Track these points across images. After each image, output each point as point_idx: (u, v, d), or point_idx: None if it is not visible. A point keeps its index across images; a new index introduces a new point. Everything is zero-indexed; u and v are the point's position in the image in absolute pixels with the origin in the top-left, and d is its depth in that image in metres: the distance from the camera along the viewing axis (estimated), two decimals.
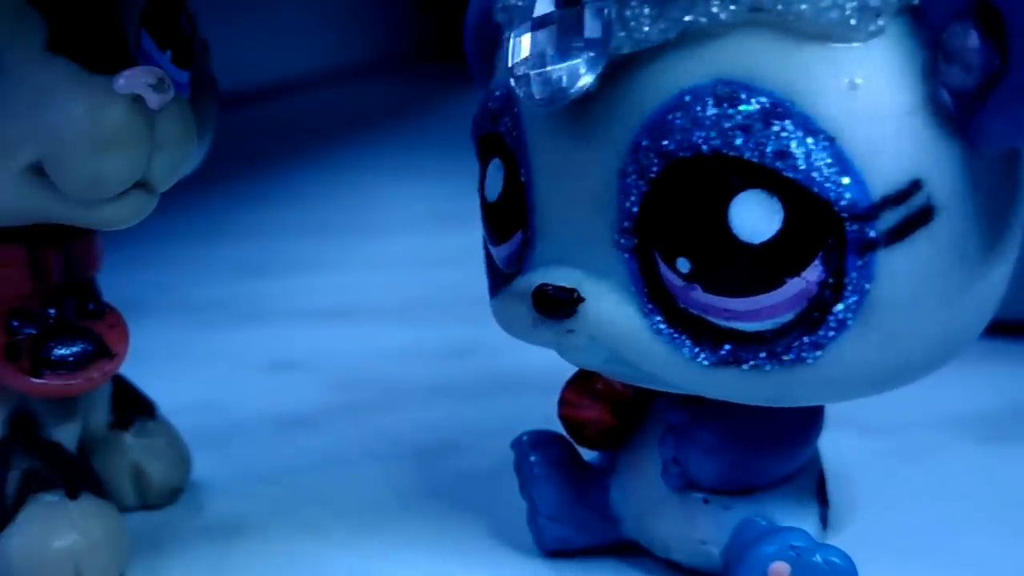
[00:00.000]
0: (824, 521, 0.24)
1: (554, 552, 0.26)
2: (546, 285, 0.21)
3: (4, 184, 0.22)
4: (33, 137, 0.21)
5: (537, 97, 0.20)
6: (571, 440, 0.26)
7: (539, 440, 0.26)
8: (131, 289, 0.39)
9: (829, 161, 0.18)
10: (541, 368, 0.23)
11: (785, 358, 0.20)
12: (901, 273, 0.19)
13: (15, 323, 0.24)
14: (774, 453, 0.23)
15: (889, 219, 0.19)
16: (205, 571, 0.26)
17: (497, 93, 0.23)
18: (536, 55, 0.20)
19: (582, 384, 0.25)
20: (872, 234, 0.19)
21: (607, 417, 0.25)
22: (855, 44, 0.19)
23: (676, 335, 0.20)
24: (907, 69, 0.19)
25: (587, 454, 0.26)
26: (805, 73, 0.19)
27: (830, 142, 0.18)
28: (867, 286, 0.19)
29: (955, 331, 0.21)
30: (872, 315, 0.19)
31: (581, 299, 0.21)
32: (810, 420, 0.23)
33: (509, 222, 0.22)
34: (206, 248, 0.60)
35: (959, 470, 0.30)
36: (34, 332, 0.24)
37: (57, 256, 0.25)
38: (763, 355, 0.20)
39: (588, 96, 0.20)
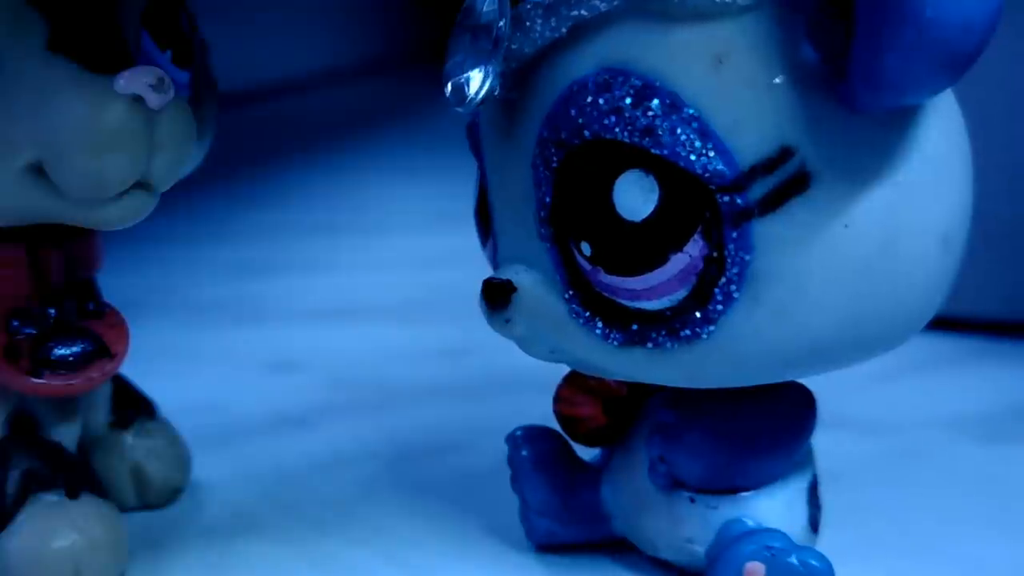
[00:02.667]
0: (815, 523, 0.24)
1: (544, 547, 0.26)
2: (489, 278, 0.22)
3: (4, 184, 0.22)
4: (33, 137, 0.21)
5: (453, 103, 0.21)
6: (566, 436, 0.26)
7: (532, 435, 0.26)
8: (131, 289, 0.39)
9: (694, 135, 0.19)
10: (539, 368, 0.23)
11: (682, 334, 0.20)
12: (782, 242, 0.19)
13: (15, 323, 0.24)
14: (761, 454, 0.23)
15: (761, 188, 0.19)
16: (205, 571, 0.26)
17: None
18: (450, 64, 0.21)
19: (577, 381, 0.25)
20: (743, 204, 0.19)
21: (600, 414, 0.25)
22: (727, 20, 0.19)
23: (590, 318, 0.21)
24: (778, 39, 0.19)
25: (585, 452, 0.26)
26: (675, 53, 0.19)
27: (696, 117, 0.19)
28: (746, 257, 0.19)
29: (872, 305, 0.20)
30: (758, 286, 0.19)
31: (513, 289, 0.22)
32: (798, 421, 0.23)
33: (486, 225, 0.23)
34: (206, 248, 0.60)
35: (959, 470, 0.30)
36: (34, 332, 0.24)
37: (57, 256, 0.25)
38: (664, 332, 0.20)
39: (510, 99, 0.21)
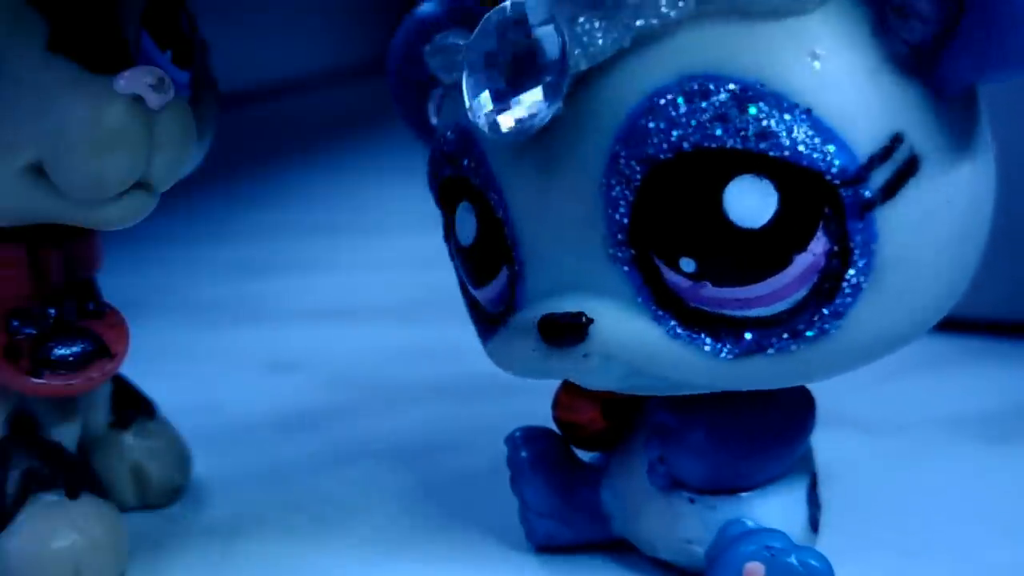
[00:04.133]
0: (814, 523, 0.24)
1: (544, 547, 0.26)
2: (551, 314, 0.21)
3: (4, 184, 0.22)
4: (33, 137, 0.21)
5: (503, 132, 0.20)
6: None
7: (531, 436, 0.26)
8: (131, 289, 0.39)
9: (811, 133, 0.19)
10: None
11: (808, 334, 0.20)
12: (902, 227, 0.19)
13: (15, 323, 0.24)
14: (760, 454, 0.23)
15: (880, 177, 0.19)
16: (205, 571, 0.26)
17: (450, 135, 0.22)
18: (495, 91, 0.20)
19: (575, 386, 0.25)
20: (867, 195, 0.19)
21: (600, 418, 0.25)
22: (806, 15, 0.19)
23: (694, 335, 0.20)
24: (860, 30, 0.19)
25: (585, 453, 0.26)
26: (766, 52, 0.19)
27: (807, 114, 0.19)
28: (873, 247, 0.19)
29: (955, 278, 0.21)
30: (883, 274, 0.19)
31: (590, 320, 0.20)
32: (797, 421, 0.23)
33: (491, 261, 0.22)
34: (206, 248, 0.60)
35: (958, 470, 0.30)
36: (34, 332, 0.24)
37: (57, 256, 0.25)
38: (786, 336, 0.20)
39: (555, 120, 0.20)
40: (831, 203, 0.19)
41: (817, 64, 0.19)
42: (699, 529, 0.23)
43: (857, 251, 0.19)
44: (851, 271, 0.19)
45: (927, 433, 0.32)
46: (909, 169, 0.19)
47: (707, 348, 0.20)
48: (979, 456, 0.31)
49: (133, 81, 0.21)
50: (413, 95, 0.25)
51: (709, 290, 0.20)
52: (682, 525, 0.23)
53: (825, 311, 0.20)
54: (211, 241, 0.62)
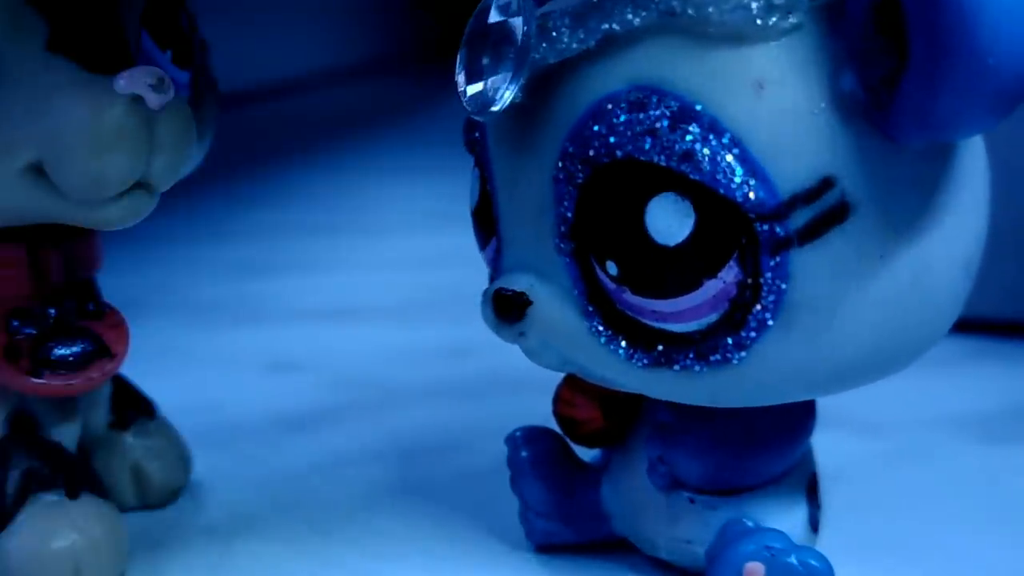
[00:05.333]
0: (814, 523, 0.24)
1: (544, 547, 0.26)
2: (502, 289, 0.21)
3: (4, 184, 0.22)
4: (33, 137, 0.21)
5: (470, 110, 0.21)
6: (565, 437, 0.26)
7: (532, 436, 0.26)
8: (131, 289, 0.39)
9: (735, 162, 0.18)
10: (538, 369, 0.23)
11: (712, 358, 0.20)
12: (819, 272, 0.19)
13: (15, 323, 0.24)
14: (761, 454, 0.23)
15: (800, 217, 0.19)
16: (205, 571, 0.26)
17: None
18: (468, 70, 0.21)
19: (577, 382, 0.25)
20: (782, 233, 0.19)
21: (600, 415, 0.25)
22: (766, 43, 0.19)
23: (612, 336, 0.21)
24: (819, 66, 0.19)
25: (585, 452, 0.26)
26: (713, 75, 0.19)
27: (736, 143, 0.18)
28: (783, 286, 0.19)
29: (898, 332, 0.20)
30: (792, 314, 0.19)
31: (529, 302, 0.21)
32: (798, 422, 0.23)
33: (487, 229, 0.23)
34: (206, 248, 0.60)
35: (958, 470, 0.30)
36: (34, 332, 0.24)
37: (57, 256, 0.25)
38: (691, 356, 0.20)
39: (527, 107, 0.20)
40: (747, 234, 0.19)
41: (759, 94, 0.18)
42: (699, 529, 0.23)
43: (766, 287, 0.19)
44: (758, 306, 0.19)
45: (927, 433, 0.32)
46: (836, 215, 0.19)
47: (622, 352, 0.21)
48: (979, 456, 0.31)
49: (133, 81, 0.21)
50: None
51: (629, 296, 0.20)
52: (682, 525, 0.23)
53: (730, 340, 0.20)
54: (211, 241, 0.62)
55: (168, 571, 0.26)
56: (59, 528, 0.24)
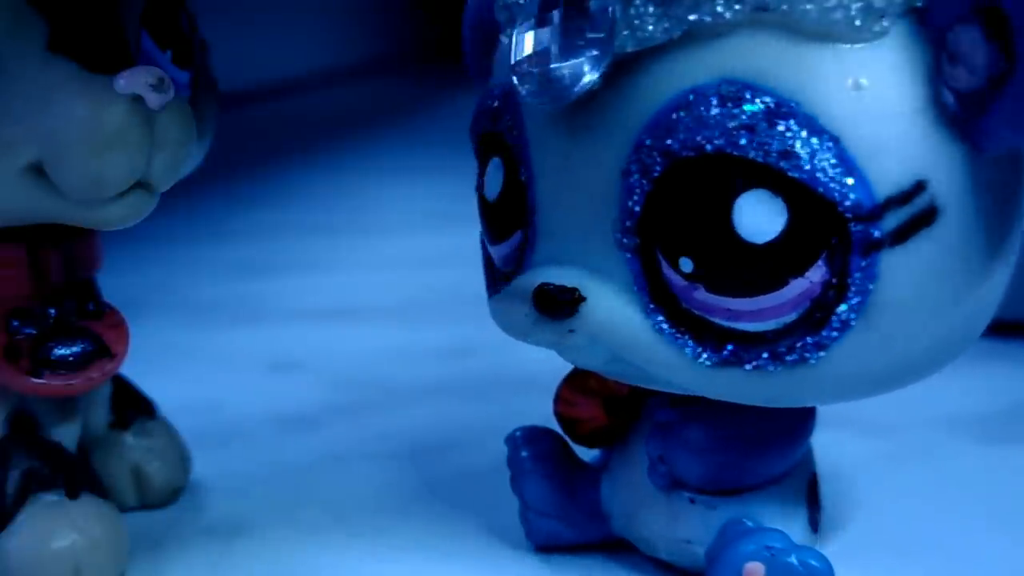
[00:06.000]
0: (814, 523, 0.24)
1: (544, 547, 0.26)
2: (547, 284, 0.21)
3: (4, 184, 0.22)
4: (33, 137, 0.21)
5: (540, 95, 0.20)
6: (566, 437, 0.26)
7: (532, 436, 0.26)
8: (131, 289, 0.39)
9: (833, 161, 0.18)
10: (539, 368, 0.23)
11: (788, 358, 0.20)
12: (904, 274, 0.19)
13: (15, 323, 0.24)
14: (761, 454, 0.23)
15: (893, 220, 0.19)
16: (205, 571, 0.26)
17: (496, 91, 0.23)
18: (539, 53, 0.20)
19: (578, 382, 0.25)
20: (876, 235, 0.19)
21: (601, 415, 0.25)
22: (860, 45, 0.19)
23: (678, 335, 0.20)
24: (911, 70, 0.19)
25: (585, 452, 0.26)
26: (810, 73, 0.19)
27: (834, 142, 0.18)
28: (871, 287, 0.19)
29: (957, 332, 0.21)
30: (875, 316, 0.19)
31: (582, 298, 0.20)
32: (798, 422, 0.23)
33: (509, 221, 0.22)
34: (206, 248, 0.60)
35: (958, 470, 0.30)
36: (34, 332, 0.24)
37: (57, 256, 0.25)
38: (766, 355, 0.20)
39: (591, 95, 0.20)
40: (839, 235, 0.19)
41: (857, 94, 0.18)
42: (699, 529, 0.23)
43: (854, 288, 0.19)
44: (843, 306, 0.19)
45: (927, 433, 0.32)
46: (925, 218, 0.19)
47: (688, 351, 0.20)
48: (978, 456, 0.31)
49: (133, 81, 0.21)
50: (483, 43, 0.25)
51: (702, 294, 0.20)
52: (682, 525, 0.23)
53: (809, 340, 0.19)
54: (211, 241, 0.62)
55: (168, 571, 0.26)
56: (59, 528, 0.24)
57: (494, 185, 0.23)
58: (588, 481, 0.25)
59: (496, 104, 0.23)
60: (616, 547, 0.25)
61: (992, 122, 0.18)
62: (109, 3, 0.22)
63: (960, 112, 0.18)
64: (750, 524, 0.23)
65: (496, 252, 0.23)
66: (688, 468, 0.23)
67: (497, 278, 0.24)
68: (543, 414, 0.26)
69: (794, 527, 0.23)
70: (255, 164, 0.83)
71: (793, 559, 0.21)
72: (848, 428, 0.31)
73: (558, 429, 0.26)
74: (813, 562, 0.21)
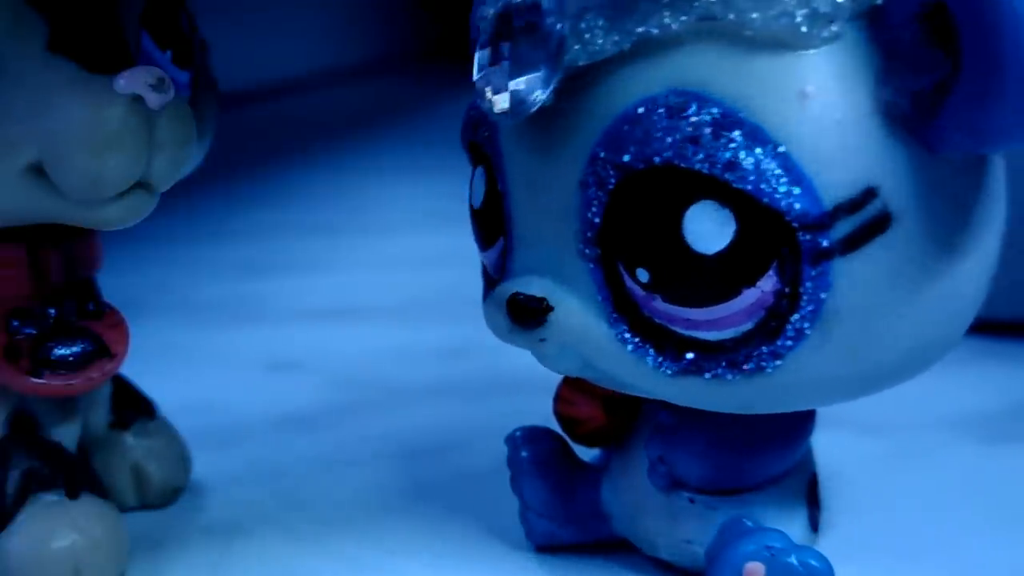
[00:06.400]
0: (814, 523, 0.24)
1: (544, 547, 0.26)
2: (518, 294, 0.21)
3: (4, 184, 0.22)
4: (33, 137, 0.21)
5: (495, 110, 0.20)
6: (566, 437, 0.26)
7: (532, 436, 0.26)
8: (131, 289, 0.39)
9: (779, 172, 0.18)
10: (538, 368, 0.23)
11: (745, 367, 0.20)
12: (858, 282, 0.19)
13: (15, 323, 0.24)
14: (761, 455, 0.23)
15: (843, 228, 0.18)
16: (205, 571, 0.26)
17: (476, 102, 0.23)
18: (495, 69, 0.20)
19: (577, 382, 0.25)
20: (825, 243, 0.18)
21: (600, 414, 0.25)
22: (808, 51, 0.18)
23: (640, 344, 0.20)
24: (861, 75, 0.18)
25: (585, 452, 0.26)
26: (756, 82, 0.19)
27: (780, 152, 0.18)
28: (823, 295, 0.19)
29: (928, 338, 0.20)
30: (830, 324, 0.19)
31: (550, 308, 0.21)
32: (798, 423, 0.23)
33: (492, 228, 0.23)
34: (206, 248, 0.60)
35: (958, 470, 0.30)
36: (34, 332, 0.24)
37: (57, 256, 0.25)
38: (724, 364, 0.20)
39: (551, 108, 0.20)
40: (788, 244, 0.19)
41: (804, 103, 0.18)
42: (699, 529, 0.23)
43: (806, 296, 0.19)
44: (796, 315, 0.19)
45: (927, 433, 0.32)
46: (878, 226, 0.19)
47: (649, 359, 0.20)
48: (978, 456, 0.31)
49: (133, 81, 0.21)
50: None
51: (659, 304, 0.20)
52: (682, 525, 0.23)
53: (765, 349, 0.19)
54: (211, 241, 0.62)
55: (168, 571, 0.26)
56: (59, 528, 0.24)
57: (478, 193, 0.23)
58: (588, 481, 0.25)
59: (476, 115, 0.23)
60: (616, 547, 0.25)
61: (944, 125, 0.18)
62: (109, 3, 0.22)
63: (913, 116, 0.18)
64: (750, 524, 0.23)
65: (485, 258, 0.24)
66: (688, 468, 0.23)
67: (488, 284, 0.24)
68: (543, 414, 0.26)
69: (794, 527, 0.23)
70: (255, 164, 0.83)
71: (793, 559, 0.21)
72: (848, 428, 0.31)
73: (558, 429, 0.26)
74: (813, 562, 0.21)
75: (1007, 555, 0.25)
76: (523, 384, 0.31)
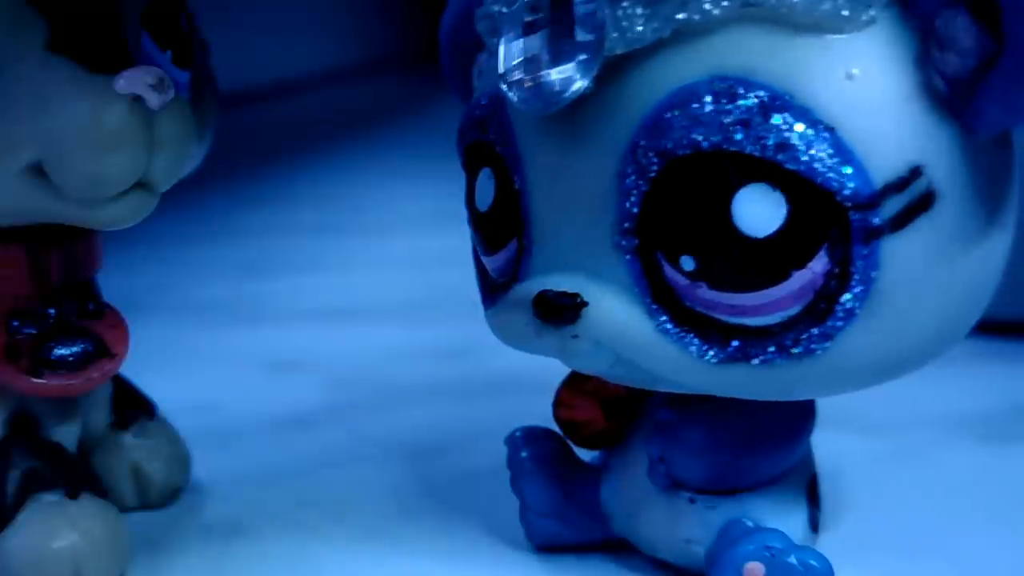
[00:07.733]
0: (814, 523, 0.24)
1: (544, 547, 0.26)
2: (547, 291, 0.21)
3: (4, 184, 0.22)
4: (33, 137, 0.21)
5: (531, 103, 0.20)
6: (566, 438, 0.26)
7: (532, 436, 0.26)
8: (131, 289, 0.39)
9: (830, 151, 0.18)
10: (538, 368, 0.23)
11: (794, 351, 0.20)
12: (906, 260, 0.19)
13: (15, 323, 0.24)
14: (761, 454, 0.23)
15: (892, 207, 0.19)
16: (205, 571, 0.26)
17: (483, 101, 0.23)
18: (528, 60, 0.20)
19: (576, 385, 0.25)
20: (876, 222, 0.19)
21: (600, 417, 0.25)
22: (849, 35, 0.19)
23: (683, 334, 0.20)
24: (901, 58, 0.19)
25: (585, 452, 0.26)
26: (801, 65, 0.19)
27: (830, 132, 0.18)
28: (873, 274, 0.19)
29: (960, 314, 0.21)
30: (878, 303, 0.19)
31: (584, 303, 0.20)
32: (798, 421, 0.23)
33: (503, 231, 0.22)
34: (206, 248, 0.60)
35: (958, 470, 0.30)
36: (34, 332, 0.24)
37: (57, 256, 0.25)
38: (772, 349, 0.20)
39: (582, 99, 0.20)
40: (839, 225, 0.19)
41: (849, 84, 0.19)
42: (699, 529, 0.23)
43: (856, 276, 0.19)
44: (847, 295, 0.19)
45: (927, 433, 0.32)
46: (923, 204, 0.19)
47: (693, 349, 0.20)
48: (978, 456, 0.31)
49: (133, 81, 0.21)
50: (461, 57, 0.25)
51: (705, 291, 0.20)
52: (682, 525, 0.23)
53: (815, 331, 0.19)
54: (211, 241, 0.62)
55: (168, 571, 0.26)
56: (59, 528, 0.24)
57: (486, 195, 0.23)
58: (588, 481, 0.25)
59: (483, 114, 0.23)
60: (616, 547, 0.25)
61: (983, 104, 0.18)
62: (109, 3, 0.22)
63: (951, 96, 0.19)
64: (750, 524, 0.23)
65: (491, 263, 0.23)
66: (688, 468, 0.23)
67: (493, 289, 0.23)
68: (543, 414, 0.26)
69: (794, 527, 0.23)
70: (255, 164, 0.83)
71: (793, 559, 0.21)
72: (848, 428, 0.31)
73: (558, 429, 0.26)
74: (813, 562, 0.21)
75: (1007, 555, 0.25)
76: (523, 384, 0.31)
